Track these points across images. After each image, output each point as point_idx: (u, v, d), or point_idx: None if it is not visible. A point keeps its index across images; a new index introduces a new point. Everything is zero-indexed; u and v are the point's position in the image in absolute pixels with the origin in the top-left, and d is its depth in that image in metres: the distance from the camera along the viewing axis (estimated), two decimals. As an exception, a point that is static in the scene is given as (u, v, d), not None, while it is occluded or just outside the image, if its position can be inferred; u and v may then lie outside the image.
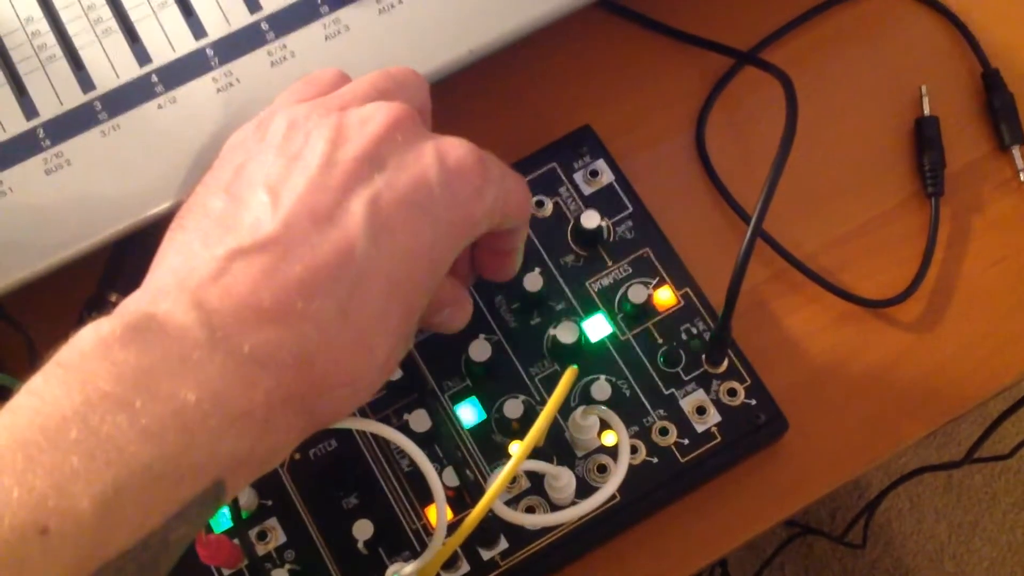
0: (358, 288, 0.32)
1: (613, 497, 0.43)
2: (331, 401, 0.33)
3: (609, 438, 0.44)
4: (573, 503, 0.42)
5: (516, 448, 0.44)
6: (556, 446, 0.44)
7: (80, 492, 0.27)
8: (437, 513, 0.39)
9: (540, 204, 0.48)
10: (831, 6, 0.54)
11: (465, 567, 0.43)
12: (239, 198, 0.33)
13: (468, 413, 0.45)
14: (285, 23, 0.45)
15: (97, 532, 0.27)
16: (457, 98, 0.51)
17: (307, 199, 0.33)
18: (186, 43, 0.45)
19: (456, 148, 0.35)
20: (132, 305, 0.31)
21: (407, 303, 0.34)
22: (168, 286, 0.32)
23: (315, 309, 0.31)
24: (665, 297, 0.47)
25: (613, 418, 0.43)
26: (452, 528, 0.39)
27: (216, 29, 0.45)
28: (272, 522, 0.43)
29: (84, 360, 0.29)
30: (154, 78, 0.44)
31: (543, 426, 0.38)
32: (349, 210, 0.33)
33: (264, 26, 0.45)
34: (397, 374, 0.45)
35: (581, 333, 0.45)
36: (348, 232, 0.32)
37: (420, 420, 0.43)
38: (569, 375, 0.38)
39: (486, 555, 0.43)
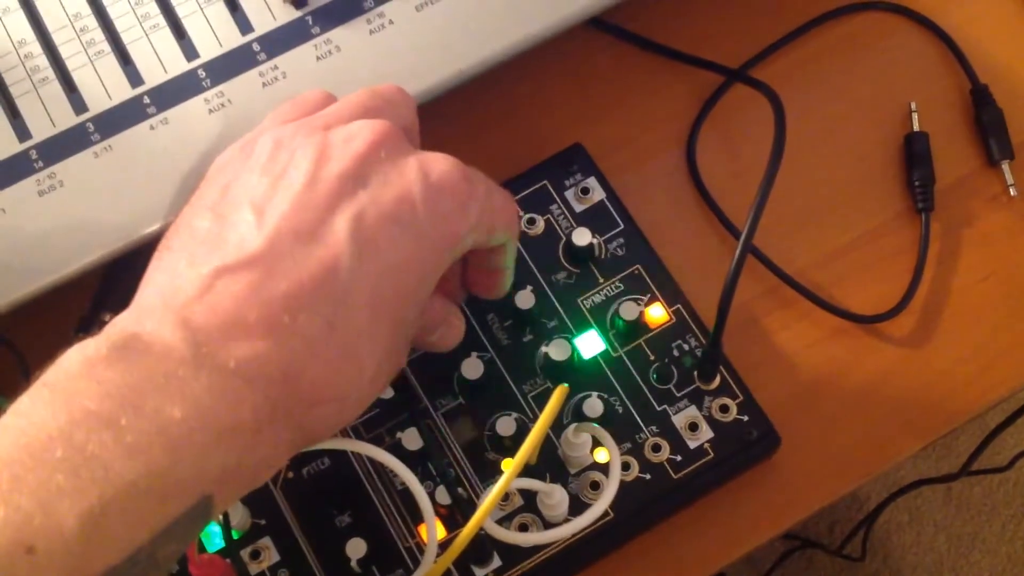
0: (344, 303, 0.33)
1: (606, 514, 0.43)
2: (320, 416, 0.33)
3: (602, 455, 0.44)
4: (566, 520, 0.42)
5: (504, 467, 0.44)
6: (549, 463, 0.44)
7: (66, 510, 0.27)
8: (427, 531, 0.39)
9: (532, 222, 0.48)
10: (820, 23, 0.54)
11: (458, 585, 0.43)
12: (224, 217, 0.34)
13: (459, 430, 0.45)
14: (276, 44, 0.45)
15: (84, 550, 0.27)
16: (448, 117, 0.51)
17: (291, 217, 0.33)
18: (178, 64, 0.45)
19: (440, 164, 0.36)
20: (118, 325, 0.32)
21: (394, 318, 0.34)
22: (154, 305, 0.32)
23: (301, 324, 0.32)
24: (657, 314, 0.47)
25: (604, 436, 0.43)
26: (445, 546, 0.39)
27: (208, 50, 0.45)
28: (265, 541, 0.44)
29: (69, 380, 0.29)
30: (146, 99, 0.44)
31: (533, 444, 0.38)
32: (333, 227, 0.33)
33: (256, 47, 0.45)
34: (389, 392, 0.45)
35: (573, 350, 0.45)
36: (333, 249, 0.33)
37: (412, 438, 0.43)
38: (559, 393, 0.39)
39: (480, 573, 0.43)
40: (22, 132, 0.44)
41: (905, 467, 1.19)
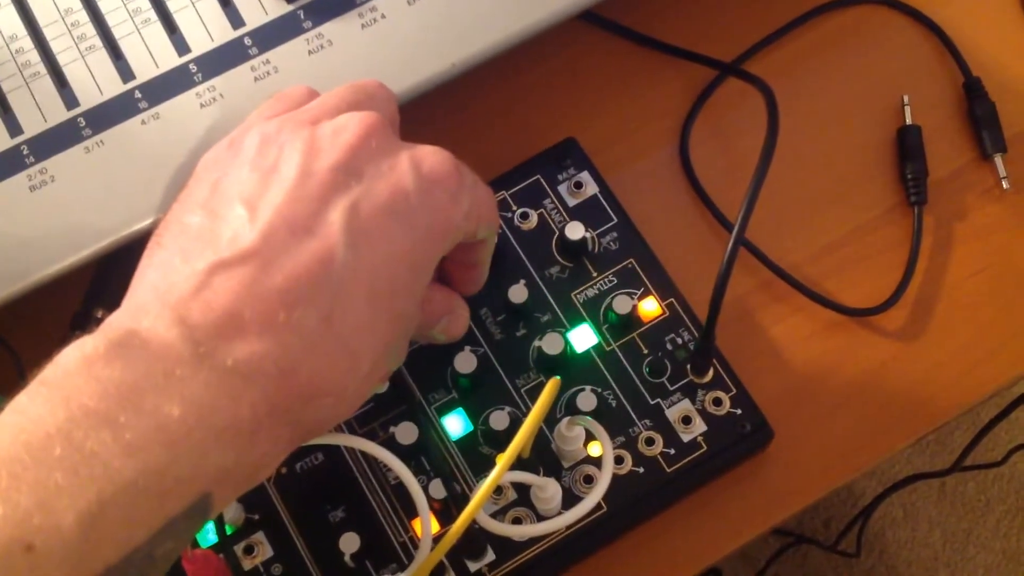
0: (340, 296, 0.33)
1: (599, 507, 0.43)
2: (317, 411, 0.33)
3: (595, 449, 0.44)
4: (559, 514, 0.42)
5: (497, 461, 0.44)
6: (542, 457, 0.44)
7: (65, 508, 0.27)
8: (422, 525, 0.39)
9: (525, 216, 0.48)
10: (813, 17, 0.54)
11: (452, 579, 0.43)
12: (216, 213, 0.33)
13: (455, 425, 0.45)
14: (268, 38, 0.45)
15: (82, 548, 0.27)
16: (441, 112, 0.51)
17: (284, 211, 0.33)
18: (170, 59, 0.45)
19: (431, 155, 0.36)
20: (115, 323, 0.32)
21: (391, 310, 0.34)
22: (149, 303, 0.32)
23: (297, 319, 0.32)
24: (650, 308, 0.47)
25: (597, 429, 0.43)
26: (439, 540, 0.39)
27: (199, 45, 0.45)
28: (259, 536, 0.43)
29: (68, 377, 0.29)
30: (138, 94, 0.44)
31: (526, 436, 0.38)
32: (327, 219, 0.33)
33: (247, 41, 0.45)
34: (383, 387, 0.45)
35: (566, 344, 0.45)
36: (327, 241, 0.33)
37: (407, 432, 0.43)
38: (551, 386, 0.38)
39: (473, 567, 0.43)
40: (13, 127, 0.44)
41: (899, 462, 1.20)
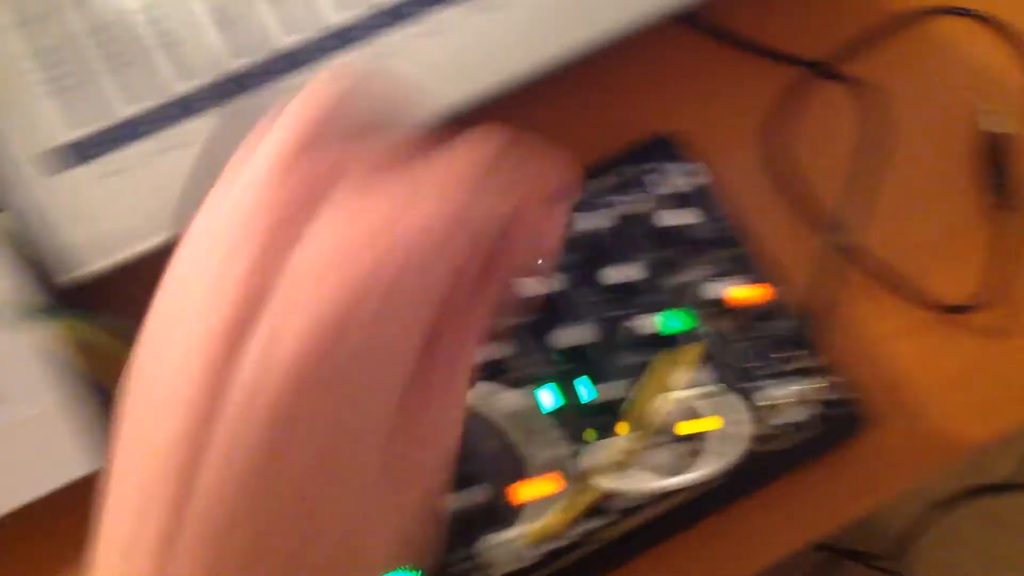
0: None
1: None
2: None
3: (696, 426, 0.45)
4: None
5: (618, 431, 0.45)
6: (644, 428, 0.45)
7: None
8: (532, 489, 0.39)
9: (619, 204, 0.49)
10: (909, 21, 0.55)
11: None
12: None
13: (548, 397, 0.46)
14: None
15: None
16: (531, 107, 0.52)
17: None
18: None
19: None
20: None
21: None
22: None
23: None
24: (747, 295, 0.48)
25: (718, 401, 0.44)
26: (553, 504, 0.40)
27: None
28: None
29: None
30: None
31: (643, 406, 0.38)
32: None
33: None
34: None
35: (665, 326, 0.46)
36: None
37: (509, 399, 0.45)
38: (671, 357, 0.39)
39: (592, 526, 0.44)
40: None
41: (948, 481, 1.19)
